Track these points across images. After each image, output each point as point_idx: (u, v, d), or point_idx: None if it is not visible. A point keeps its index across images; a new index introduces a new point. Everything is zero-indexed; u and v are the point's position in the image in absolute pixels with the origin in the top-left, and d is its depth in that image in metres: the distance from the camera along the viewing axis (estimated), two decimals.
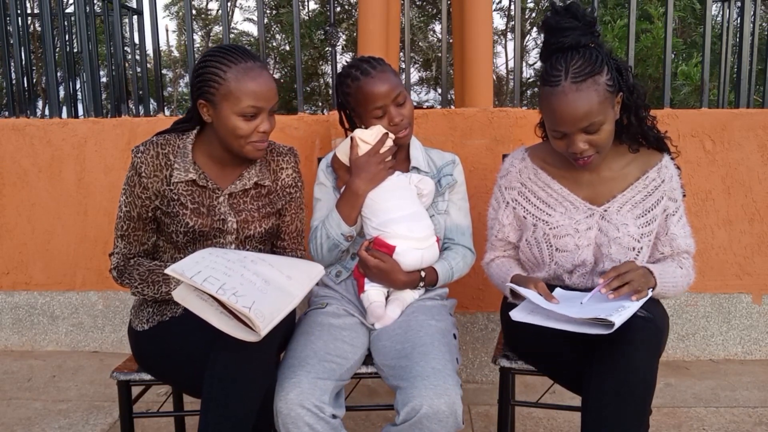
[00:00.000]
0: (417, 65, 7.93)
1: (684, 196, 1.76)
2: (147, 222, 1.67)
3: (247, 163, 1.72)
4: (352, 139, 1.80)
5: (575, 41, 1.56)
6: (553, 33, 1.59)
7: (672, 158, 1.75)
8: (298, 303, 1.42)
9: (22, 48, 3.23)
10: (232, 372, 1.40)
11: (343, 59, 7.84)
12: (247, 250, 1.71)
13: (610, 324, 1.38)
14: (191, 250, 1.66)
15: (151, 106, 4.79)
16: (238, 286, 1.37)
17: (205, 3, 8.65)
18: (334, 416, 1.49)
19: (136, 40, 3.19)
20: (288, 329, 1.72)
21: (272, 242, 1.85)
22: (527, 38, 8.04)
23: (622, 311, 1.43)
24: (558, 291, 1.67)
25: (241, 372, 1.41)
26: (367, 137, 1.78)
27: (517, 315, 1.54)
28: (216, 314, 1.41)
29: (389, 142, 1.79)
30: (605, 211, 1.70)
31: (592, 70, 1.54)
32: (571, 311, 1.47)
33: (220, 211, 1.66)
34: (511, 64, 8.32)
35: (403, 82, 2.39)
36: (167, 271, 1.39)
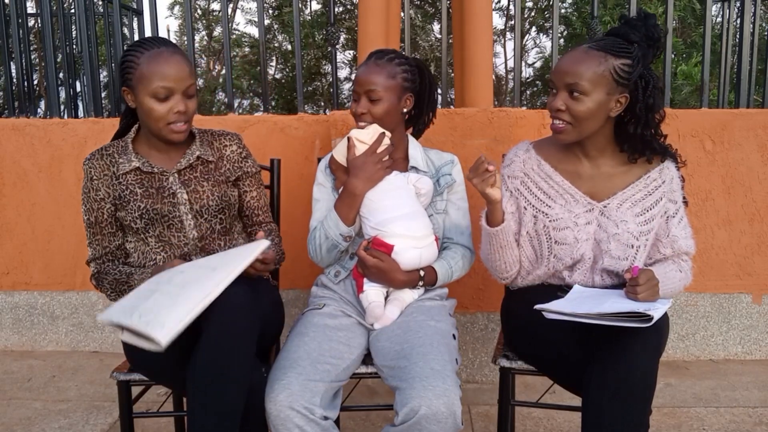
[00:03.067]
0: None
1: (686, 204, 1.77)
2: (104, 226, 1.74)
3: (186, 145, 1.79)
4: (348, 139, 1.80)
5: (624, 32, 1.61)
6: (622, 24, 1.64)
7: (677, 167, 1.75)
8: (216, 294, 1.38)
9: (23, 48, 3.23)
10: (210, 372, 1.41)
11: (344, 58, 7.84)
12: (206, 220, 1.75)
13: (649, 318, 1.40)
14: (152, 234, 1.72)
15: None
16: (146, 305, 1.39)
17: (208, 4, 8.65)
18: (325, 417, 1.50)
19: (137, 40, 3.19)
20: (270, 323, 1.74)
21: (247, 221, 1.89)
22: (526, 38, 8.04)
23: (658, 307, 1.47)
24: (577, 288, 1.69)
25: (219, 371, 1.41)
26: (364, 137, 1.78)
27: (549, 315, 1.52)
28: (135, 337, 1.41)
29: (386, 141, 1.79)
30: (605, 207, 1.71)
31: (611, 49, 1.59)
32: (604, 307, 1.49)
33: (170, 189, 1.73)
34: (510, 63, 8.33)
35: None
36: (99, 318, 1.46)
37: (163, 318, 1.33)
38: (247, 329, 1.45)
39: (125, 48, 1.71)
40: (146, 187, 1.72)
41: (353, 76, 1.89)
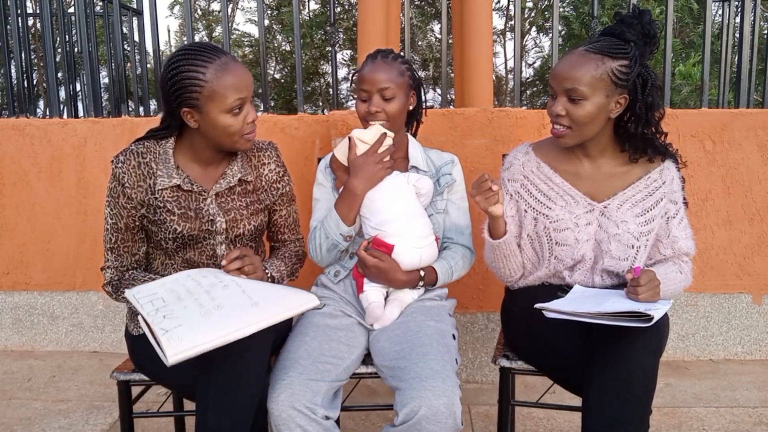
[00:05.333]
0: (416, 65, 7.94)
1: (686, 205, 1.77)
2: (135, 232, 1.65)
3: (228, 159, 1.71)
4: (350, 139, 1.80)
5: (620, 31, 1.61)
6: (617, 23, 1.64)
7: (678, 167, 1.76)
8: (246, 334, 1.35)
9: (22, 48, 3.23)
10: (226, 375, 1.40)
11: (342, 58, 7.85)
12: (237, 248, 1.70)
13: (649, 318, 1.41)
14: (181, 256, 1.66)
15: (151, 106, 4.79)
16: (176, 309, 1.37)
17: (208, 4, 8.66)
18: (327, 417, 1.50)
19: (137, 40, 3.19)
20: (283, 331, 1.72)
21: (272, 236, 1.87)
22: (526, 38, 8.04)
23: (658, 307, 1.47)
24: (577, 288, 1.69)
25: (235, 375, 1.40)
26: (366, 137, 1.78)
27: (550, 314, 1.53)
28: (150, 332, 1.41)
29: (388, 141, 1.79)
30: (605, 207, 1.71)
31: (608, 52, 1.58)
32: (604, 306, 1.49)
33: (208, 212, 1.65)
34: (510, 63, 8.33)
35: None
36: (126, 293, 1.45)
37: (184, 333, 1.30)
38: (262, 333, 1.43)
39: (172, 65, 1.53)
40: (184, 209, 1.63)
41: (355, 76, 1.87)
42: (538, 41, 8.21)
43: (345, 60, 7.85)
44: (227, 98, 1.53)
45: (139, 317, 1.43)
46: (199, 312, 1.37)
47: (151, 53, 3.32)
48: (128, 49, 3.57)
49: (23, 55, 3.25)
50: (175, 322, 1.33)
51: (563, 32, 7.10)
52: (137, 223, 1.64)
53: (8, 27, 3.18)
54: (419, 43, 7.74)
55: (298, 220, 1.89)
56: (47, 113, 3.32)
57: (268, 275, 1.69)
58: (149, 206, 1.62)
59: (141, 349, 1.68)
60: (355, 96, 1.87)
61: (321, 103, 8.22)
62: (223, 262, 1.58)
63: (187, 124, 1.60)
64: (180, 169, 1.64)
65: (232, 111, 1.55)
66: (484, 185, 1.60)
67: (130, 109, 3.74)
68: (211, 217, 1.65)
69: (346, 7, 7.63)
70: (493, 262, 1.78)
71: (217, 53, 1.55)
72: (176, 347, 1.28)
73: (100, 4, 3.72)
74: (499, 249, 1.73)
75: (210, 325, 1.34)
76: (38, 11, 3.83)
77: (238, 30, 8.35)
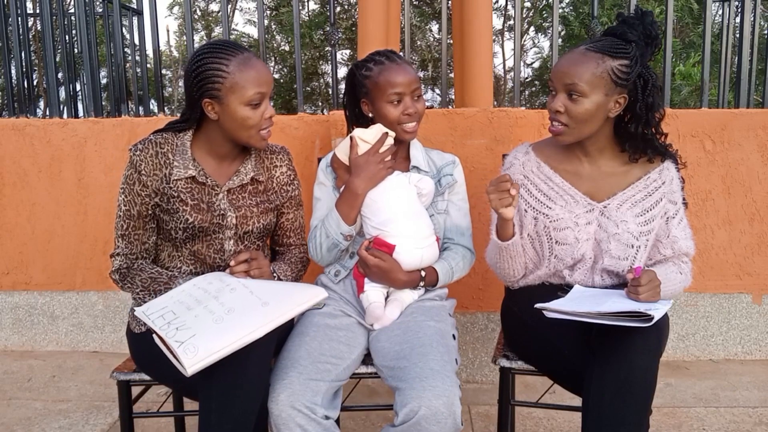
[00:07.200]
0: (415, 65, 7.94)
1: (686, 206, 1.77)
2: (147, 220, 1.68)
3: (242, 157, 1.75)
4: (351, 138, 1.80)
5: (622, 31, 1.61)
6: (620, 23, 1.65)
7: (677, 168, 1.76)
8: (260, 335, 1.37)
9: (22, 48, 3.23)
10: (228, 377, 1.40)
11: (340, 58, 7.86)
12: (246, 245, 1.74)
13: (649, 318, 1.41)
14: (189, 248, 1.69)
15: (151, 106, 4.79)
16: (187, 319, 1.38)
17: (206, 5, 8.68)
18: (327, 417, 1.50)
19: (137, 41, 3.19)
20: (284, 331, 1.72)
21: (277, 240, 1.88)
22: (525, 38, 8.05)
23: (659, 307, 1.48)
24: (577, 287, 1.69)
25: (237, 377, 1.40)
26: (367, 137, 1.78)
27: (550, 314, 1.53)
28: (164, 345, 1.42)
29: (390, 141, 1.79)
30: (605, 207, 1.71)
31: (609, 51, 1.59)
32: (604, 306, 1.49)
33: (219, 206, 1.68)
34: (508, 63, 8.34)
35: None
36: (137, 312, 1.46)
37: (199, 342, 1.32)
38: (267, 338, 1.43)
39: (197, 59, 1.60)
40: (197, 200, 1.66)
41: (389, 79, 1.78)
42: (536, 41, 8.22)
43: (343, 59, 7.86)
44: (247, 90, 1.58)
45: (153, 335, 1.45)
46: (210, 319, 1.38)
47: (151, 53, 3.32)
48: (128, 50, 3.56)
49: (23, 55, 3.25)
50: (189, 333, 1.34)
51: (562, 32, 7.10)
52: (150, 212, 1.67)
53: (8, 27, 3.18)
54: (418, 43, 7.74)
55: (304, 226, 1.91)
56: (47, 113, 3.32)
57: (276, 277, 1.71)
58: (163, 195, 1.65)
59: (143, 347, 1.68)
60: (376, 102, 1.81)
61: (320, 103, 8.23)
62: (231, 263, 1.61)
63: (206, 118, 1.65)
64: (196, 161, 1.68)
65: (251, 104, 1.60)
66: (503, 185, 1.59)
67: (130, 109, 3.73)
68: (222, 212, 1.68)
69: (346, 7, 7.64)
70: (498, 262, 1.77)
71: (240, 49, 1.61)
72: (193, 357, 1.29)
73: (100, 3, 3.72)
74: (506, 251, 1.72)
75: (223, 330, 1.35)
76: (38, 11, 3.82)
77: (237, 30, 8.36)
